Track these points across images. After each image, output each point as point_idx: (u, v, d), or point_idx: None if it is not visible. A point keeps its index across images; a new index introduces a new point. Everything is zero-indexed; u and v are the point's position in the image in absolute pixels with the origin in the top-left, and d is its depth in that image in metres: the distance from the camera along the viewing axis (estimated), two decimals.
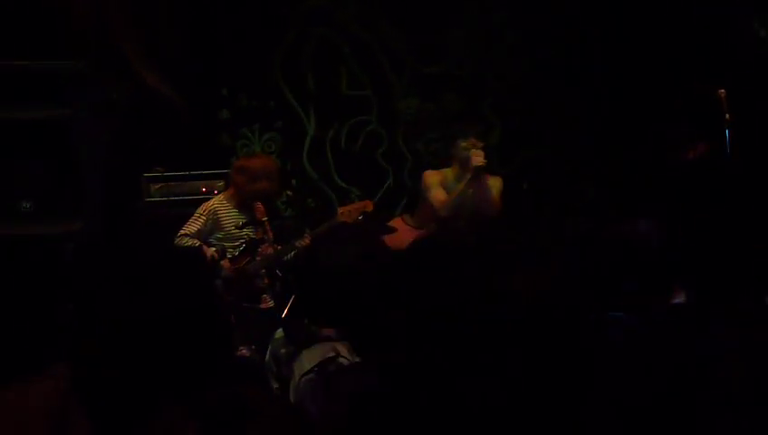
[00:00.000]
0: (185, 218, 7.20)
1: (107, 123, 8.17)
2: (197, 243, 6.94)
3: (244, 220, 7.15)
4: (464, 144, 7.43)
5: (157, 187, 8.30)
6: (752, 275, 2.28)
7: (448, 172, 7.61)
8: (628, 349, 2.85)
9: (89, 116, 7.96)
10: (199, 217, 7.13)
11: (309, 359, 3.84)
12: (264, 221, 7.22)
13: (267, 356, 4.56)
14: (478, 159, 7.26)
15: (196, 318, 1.94)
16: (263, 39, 9.53)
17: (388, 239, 7.49)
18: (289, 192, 9.72)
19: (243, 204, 7.23)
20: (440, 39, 9.79)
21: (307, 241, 6.97)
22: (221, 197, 7.35)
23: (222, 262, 6.93)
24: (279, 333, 4.37)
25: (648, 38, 9.14)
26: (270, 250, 7.12)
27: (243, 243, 7.12)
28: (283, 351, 4.20)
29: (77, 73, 7.85)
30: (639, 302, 3.19)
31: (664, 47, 9.00)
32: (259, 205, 7.27)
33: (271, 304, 7.22)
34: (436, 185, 7.56)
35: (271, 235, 7.26)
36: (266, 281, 7.15)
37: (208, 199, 7.38)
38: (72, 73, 7.72)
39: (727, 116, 6.70)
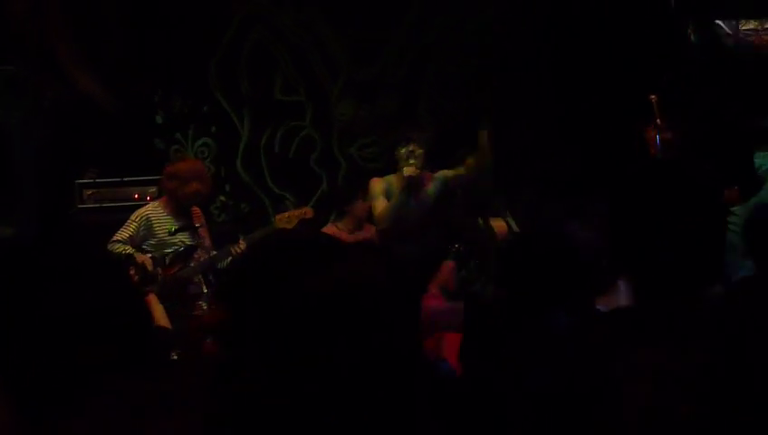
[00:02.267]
0: (117, 225, 7.13)
1: (39, 127, 8.10)
2: (129, 249, 6.88)
3: (175, 226, 7.09)
4: (401, 150, 7.28)
5: (89, 192, 8.22)
6: (691, 270, 2.32)
7: (392, 179, 7.42)
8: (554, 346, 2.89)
9: (21, 120, 7.89)
10: (131, 223, 7.08)
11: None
12: (198, 227, 7.19)
13: None
14: (409, 169, 7.14)
15: (118, 318, 1.95)
16: (198, 42, 9.47)
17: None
18: (223, 197, 9.67)
19: (177, 210, 7.18)
20: (375, 44, 9.80)
21: (242, 247, 6.94)
22: (155, 204, 7.30)
23: (157, 269, 6.87)
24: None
25: (584, 39, 9.23)
26: (205, 256, 7.07)
27: (176, 249, 7.06)
28: None
29: (10, 77, 7.77)
30: (580, 301, 3.23)
31: (600, 48, 9.10)
32: (196, 209, 7.25)
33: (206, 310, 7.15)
34: (379, 194, 7.35)
35: (207, 241, 7.23)
36: (203, 287, 7.10)
37: (141, 206, 7.33)
38: (5, 77, 7.64)
39: (658, 121, 6.80)
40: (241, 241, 7.04)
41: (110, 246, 6.93)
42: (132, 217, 7.11)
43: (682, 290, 2.28)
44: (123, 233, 7.03)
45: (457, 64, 9.87)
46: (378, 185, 7.41)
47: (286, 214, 7.28)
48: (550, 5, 9.48)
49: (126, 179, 8.31)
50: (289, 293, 1.73)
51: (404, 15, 9.82)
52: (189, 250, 7.09)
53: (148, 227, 7.08)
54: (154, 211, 7.17)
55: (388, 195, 7.36)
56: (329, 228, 8.05)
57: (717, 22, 8.55)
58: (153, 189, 8.09)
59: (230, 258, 6.95)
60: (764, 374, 2.12)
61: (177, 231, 7.07)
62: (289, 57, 9.78)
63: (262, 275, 1.83)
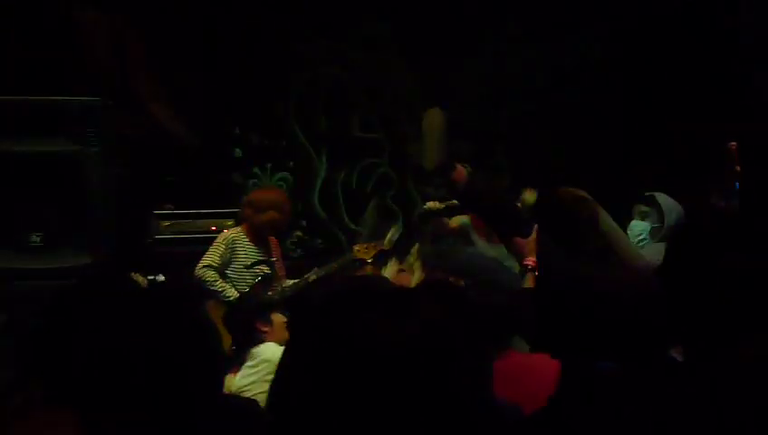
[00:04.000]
0: (194, 256, 7.22)
1: (118, 159, 8.23)
2: (219, 281, 6.94)
3: (256, 259, 7.17)
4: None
5: (166, 224, 8.31)
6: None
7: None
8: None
9: (100, 151, 8.02)
10: (219, 245, 7.18)
11: None
12: (275, 259, 7.29)
13: None
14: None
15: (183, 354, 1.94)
16: (276, 78, 9.57)
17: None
18: (299, 232, 9.73)
19: (256, 237, 7.28)
20: (453, 83, 9.81)
21: (315, 276, 7.01)
22: (238, 229, 7.41)
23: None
24: None
25: (654, 87, 9.16)
26: (280, 288, 7.13)
27: (258, 276, 7.12)
28: None
29: (90, 109, 7.92)
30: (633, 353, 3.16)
31: (673, 99, 9.02)
32: (274, 240, 7.38)
33: None
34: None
35: (283, 272, 7.33)
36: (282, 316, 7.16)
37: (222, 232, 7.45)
38: (85, 109, 7.80)
39: (738, 168, 6.68)
40: (314, 272, 7.09)
41: (200, 272, 7.04)
42: (219, 240, 7.22)
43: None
44: (213, 256, 7.12)
45: (530, 107, 9.84)
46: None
47: (364, 245, 7.32)
48: (621, 46, 9.44)
49: (203, 211, 8.38)
50: (361, 338, 1.69)
51: (478, 58, 9.83)
52: (268, 280, 7.15)
53: (233, 250, 7.18)
54: (237, 236, 7.28)
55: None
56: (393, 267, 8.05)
57: None
58: (230, 222, 8.14)
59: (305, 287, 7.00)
60: None
61: (254, 264, 7.15)
62: (365, 95, 9.84)
63: (333, 315, 1.81)
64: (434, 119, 5.72)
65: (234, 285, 7.00)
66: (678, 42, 9.00)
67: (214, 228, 8.15)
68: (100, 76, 8.63)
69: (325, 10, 9.48)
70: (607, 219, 5.42)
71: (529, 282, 4.71)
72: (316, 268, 7.20)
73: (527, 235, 4.90)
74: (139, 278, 6.65)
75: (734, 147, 6.72)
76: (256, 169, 9.72)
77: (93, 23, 8.91)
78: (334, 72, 9.79)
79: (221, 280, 6.99)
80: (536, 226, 4.86)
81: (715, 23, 8.78)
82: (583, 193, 5.68)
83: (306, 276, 7.09)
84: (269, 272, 7.15)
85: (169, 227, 8.29)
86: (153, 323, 1.94)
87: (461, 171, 4.88)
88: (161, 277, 6.70)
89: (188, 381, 1.91)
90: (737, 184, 6.60)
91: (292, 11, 9.39)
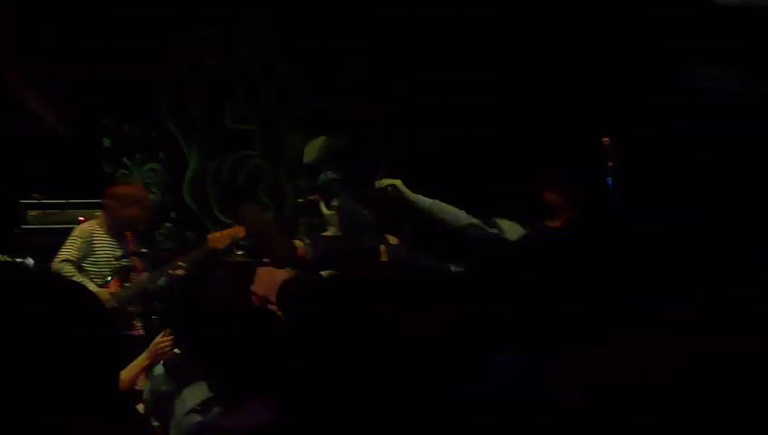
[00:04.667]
0: (61, 246, 7.11)
1: None
2: (77, 275, 6.85)
3: (119, 252, 7.16)
4: None
5: (34, 214, 8.13)
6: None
7: None
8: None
9: None
10: (75, 239, 7.12)
11: (192, 396, 3.81)
12: (134, 251, 7.31)
13: (145, 393, 4.49)
14: None
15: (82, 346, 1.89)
16: (150, 68, 9.40)
17: (264, 272, 7.54)
18: (168, 224, 9.60)
19: (114, 230, 7.25)
20: (329, 76, 9.79)
21: (178, 269, 6.97)
22: (92, 222, 7.35)
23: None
24: (158, 369, 4.31)
25: (538, 79, 9.28)
26: (141, 277, 7.14)
27: (115, 269, 7.10)
28: (163, 388, 4.14)
29: None
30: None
31: (553, 90, 9.15)
32: (129, 235, 7.35)
33: (141, 331, 7.20)
34: None
35: (140, 265, 7.32)
36: (137, 308, 7.14)
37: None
38: None
39: (611, 163, 6.82)
40: (177, 263, 7.11)
41: (57, 266, 6.95)
42: (75, 234, 7.15)
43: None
44: (70, 250, 7.06)
45: (408, 101, 9.88)
46: None
47: (218, 233, 7.36)
48: (511, 33, 9.53)
49: (71, 202, 8.23)
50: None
51: (359, 50, 9.83)
52: (127, 270, 7.17)
53: (89, 243, 7.12)
54: (93, 229, 7.22)
55: None
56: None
57: (674, 64, 8.60)
58: (99, 213, 8.02)
59: (165, 279, 7.01)
60: None
61: (122, 256, 7.11)
62: (241, 86, 9.74)
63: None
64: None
65: (91, 279, 6.93)
66: (571, 34, 9.14)
67: (82, 219, 8.02)
68: None
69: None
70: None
71: None
72: (173, 261, 7.23)
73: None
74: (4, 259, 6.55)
75: (606, 142, 6.88)
76: (126, 160, 9.55)
77: None
78: (208, 63, 9.67)
79: (78, 274, 6.90)
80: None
81: (608, 16, 8.94)
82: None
83: (163, 269, 7.09)
84: (126, 265, 7.18)
85: (37, 216, 8.13)
86: (51, 312, 1.88)
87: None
88: (30, 260, 6.58)
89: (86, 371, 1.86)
90: (609, 180, 6.76)
91: None
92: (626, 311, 2.28)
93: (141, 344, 7.08)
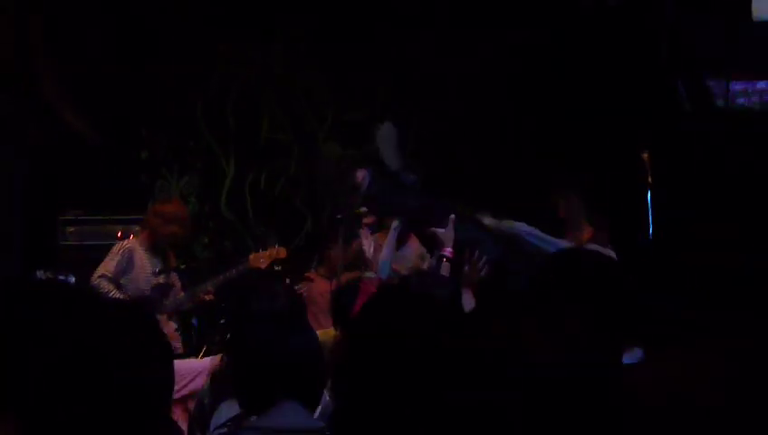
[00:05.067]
0: (100, 262, 7.17)
1: (24, 163, 8.09)
2: (114, 292, 6.90)
3: (159, 267, 7.22)
4: None
5: (72, 229, 8.19)
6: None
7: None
8: None
9: (6, 155, 7.87)
10: (115, 255, 7.16)
11: (227, 412, 3.84)
12: (173, 269, 7.39)
13: (195, 404, 4.56)
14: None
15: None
16: (185, 80, 9.44)
17: (305, 290, 7.57)
18: (206, 235, 9.63)
19: (155, 248, 7.30)
20: (363, 86, 9.79)
21: (209, 293, 7.14)
22: (134, 239, 7.41)
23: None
24: (208, 382, 4.36)
25: (573, 95, 9.24)
26: (176, 296, 7.28)
27: (154, 286, 7.18)
28: (206, 400, 4.19)
29: None
30: None
31: (588, 108, 9.11)
32: (170, 253, 7.42)
33: (180, 346, 7.32)
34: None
35: (178, 283, 7.42)
36: (173, 325, 7.24)
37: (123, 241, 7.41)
38: None
39: (650, 178, 6.81)
40: (209, 286, 7.20)
41: (95, 281, 6.99)
42: (115, 250, 7.19)
43: None
44: (108, 266, 7.10)
45: (441, 114, 9.87)
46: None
47: (260, 254, 7.45)
48: (540, 55, 9.50)
49: (109, 218, 8.29)
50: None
51: (392, 63, 9.83)
52: (165, 289, 7.23)
53: (129, 260, 7.15)
54: (134, 246, 7.27)
55: None
56: (310, 273, 8.11)
57: (708, 82, 8.55)
58: (137, 228, 8.08)
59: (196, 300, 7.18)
60: None
61: (160, 272, 7.17)
62: (276, 97, 9.76)
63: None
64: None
65: (129, 295, 6.99)
66: (592, 49, 9.10)
67: (120, 234, 8.08)
68: (4, 78, 8.45)
69: (240, 11, 9.38)
70: None
71: (444, 270, 5.00)
72: (212, 279, 7.28)
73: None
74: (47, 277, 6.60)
75: (646, 157, 6.87)
76: (164, 171, 9.58)
77: None
78: (244, 73, 9.69)
79: (116, 290, 6.95)
80: (452, 218, 5.09)
81: (629, 33, 8.89)
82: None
83: (201, 286, 7.23)
84: (165, 281, 7.26)
85: (75, 232, 8.18)
86: (110, 333, 1.89)
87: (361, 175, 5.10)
88: (72, 278, 6.64)
89: (142, 396, 1.87)
90: (649, 193, 6.75)
91: (204, 11, 9.26)
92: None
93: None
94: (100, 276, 7.04)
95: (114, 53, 9.16)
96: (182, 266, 7.51)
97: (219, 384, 4.11)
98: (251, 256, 7.46)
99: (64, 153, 8.75)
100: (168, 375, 1.96)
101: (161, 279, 7.25)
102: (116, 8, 9.12)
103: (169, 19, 9.21)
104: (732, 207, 7.97)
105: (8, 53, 8.71)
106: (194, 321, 7.27)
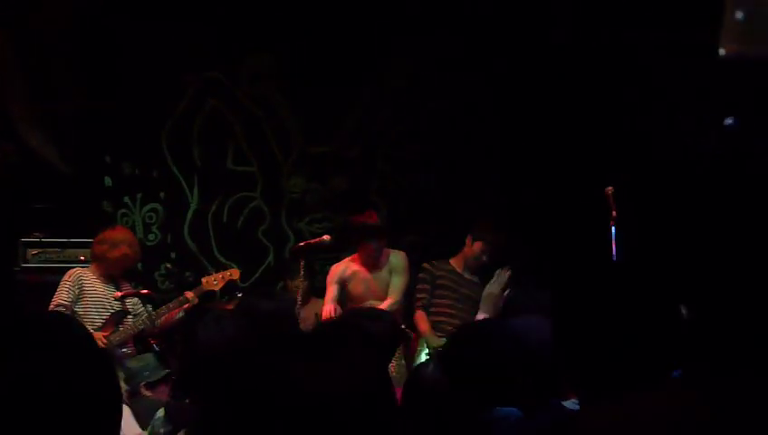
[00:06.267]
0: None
1: None
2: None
3: (104, 296, 7.21)
4: None
5: (34, 252, 8.13)
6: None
7: (349, 263, 7.76)
8: None
9: None
10: (65, 283, 7.17)
11: None
12: (130, 294, 7.35)
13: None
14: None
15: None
16: (151, 107, 9.43)
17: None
18: (168, 265, 9.59)
19: (106, 275, 7.30)
20: (330, 120, 9.83)
21: (162, 318, 7.18)
22: (84, 268, 7.38)
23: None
24: (161, 411, 4.30)
25: (540, 131, 9.32)
26: (129, 322, 7.24)
27: (109, 314, 7.18)
28: (162, 431, 4.13)
29: None
30: (530, 399, 3.20)
31: (557, 142, 9.18)
32: (124, 281, 7.42)
33: None
34: (332, 282, 7.64)
35: (137, 308, 7.38)
36: (131, 351, 7.16)
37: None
38: None
39: (614, 213, 6.84)
40: (162, 312, 7.24)
41: (53, 311, 6.91)
42: (65, 278, 7.19)
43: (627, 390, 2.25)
44: (62, 295, 7.10)
45: (410, 147, 9.93)
46: (335, 271, 7.60)
47: (212, 276, 7.50)
48: (509, 94, 9.59)
49: (71, 241, 8.22)
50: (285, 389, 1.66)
51: (359, 96, 9.88)
52: (120, 314, 7.22)
53: (80, 287, 7.15)
54: (85, 274, 7.26)
55: (342, 280, 7.53)
56: None
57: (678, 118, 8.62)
58: (90, 257, 8.02)
59: (147, 324, 7.17)
60: None
61: (122, 298, 7.16)
62: (242, 128, 9.78)
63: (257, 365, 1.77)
64: None
65: (83, 323, 6.92)
66: (563, 86, 9.19)
67: (82, 258, 8.03)
68: None
69: (207, 41, 9.41)
70: None
71: None
72: (167, 304, 7.27)
73: None
74: None
75: (609, 191, 6.90)
76: (126, 199, 9.55)
77: None
78: (211, 104, 9.70)
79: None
80: None
81: (600, 72, 8.99)
82: None
83: (156, 311, 7.25)
84: (119, 309, 7.22)
85: (37, 255, 8.12)
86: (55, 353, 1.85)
87: None
88: None
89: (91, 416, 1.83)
90: (613, 229, 6.77)
91: (173, 40, 9.28)
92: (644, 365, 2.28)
93: None
94: (56, 306, 7.01)
95: (81, 79, 9.14)
96: (142, 290, 7.42)
97: (174, 414, 4.07)
98: (203, 280, 7.52)
99: (29, 176, 8.70)
100: (109, 387, 1.92)
101: (116, 306, 7.22)
102: (83, 34, 9.10)
103: (136, 47, 9.22)
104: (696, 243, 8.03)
105: None
106: (154, 346, 7.17)
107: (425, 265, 7.90)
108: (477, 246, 7.74)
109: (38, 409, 1.75)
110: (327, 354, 1.70)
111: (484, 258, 7.68)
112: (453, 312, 7.67)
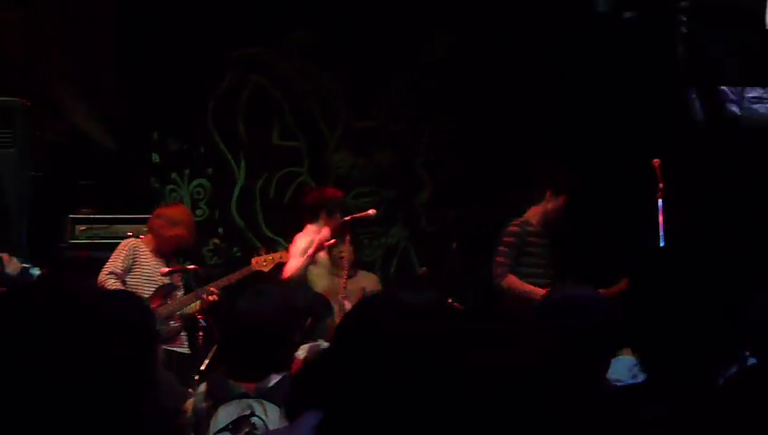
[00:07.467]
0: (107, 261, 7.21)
1: (34, 162, 8.11)
2: (118, 286, 6.91)
3: (156, 270, 7.26)
4: None
5: (82, 228, 8.20)
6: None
7: None
8: None
9: (16, 152, 7.90)
10: (121, 252, 7.23)
11: (225, 415, 3.84)
12: (177, 270, 7.43)
13: (189, 408, 4.52)
14: None
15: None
16: (197, 84, 9.47)
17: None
18: (216, 240, 9.64)
19: (159, 250, 7.36)
20: (375, 94, 9.81)
21: (213, 295, 7.14)
22: (138, 240, 7.44)
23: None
24: (202, 386, 4.33)
25: (587, 102, 9.23)
26: (178, 297, 7.31)
27: (158, 286, 7.23)
28: (203, 404, 4.16)
29: (7, 110, 7.81)
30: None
31: (603, 115, 9.11)
32: (175, 259, 7.50)
33: (186, 347, 7.41)
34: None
35: (181, 284, 7.46)
36: (177, 324, 7.27)
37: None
38: (2, 110, 7.67)
39: (661, 185, 6.79)
40: (212, 287, 7.22)
41: (103, 278, 7.05)
42: (121, 247, 7.27)
43: (695, 371, 2.24)
44: (116, 263, 7.17)
45: (455, 120, 9.88)
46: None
47: (262, 257, 7.46)
48: (553, 65, 9.50)
49: (119, 217, 8.29)
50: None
51: (403, 69, 9.85)
52: (168, 289, 7.28)
53: (134, 258, 7.22)
54: (139, 245, 7.34)
55: None
56: None
57: (723, 88, 8.53)
58: (146, 228, 8.09)
59: (199, 302, 7.20)
60: None
61: (170, 273, 7.27)
62: (288, 103, 9.79)
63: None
64: None
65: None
66: (608, 57, 9.11)
67: (130, 233, 8.07)
68: (17, 77, 8.48)
69: (251, 16, 9.42)
70: None
71: None
72: (215, 281, 7.29)
73: None
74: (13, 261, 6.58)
75: (657, 163, 6.84)
76: (174, 175, 9.61)
77: (10, 23, 8.77)
78: (256, 79, 9.72)
79: (122, 288, 6.96)
80: None
81: (646, 44, 8.90)
82: None
83: (204, 288, 7.25)
84: (168, 283, 7.29)
85: (85, 231, 8.19)
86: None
87: None
88: (36, 271, 6.64)
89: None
90: (660, 201, 6.72)
91: (216, 16, 9.31)
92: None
93: (186, 360, 7.20)
94: (108, 273, 7.12)
95: (127, 56, 9.20)
96: (189, 266, 7.48)
97: (215, 389, 4.10)
98: (253, 260, 7.49)
99: (76, 153, 8.77)
100: (139, 353, 1.91)
101: (165, 280, 7.28)
102: (126, 11, 9.15)
103: (181, 22, 9.25)
104: (743, 216, 7.96)
105: (20, 52, 8.76)
106: (201, 321, 7.22)
107: (512, 228, 7.50)
108: (563, 199, 7.51)
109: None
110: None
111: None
112: (541, 271, 7.39)
